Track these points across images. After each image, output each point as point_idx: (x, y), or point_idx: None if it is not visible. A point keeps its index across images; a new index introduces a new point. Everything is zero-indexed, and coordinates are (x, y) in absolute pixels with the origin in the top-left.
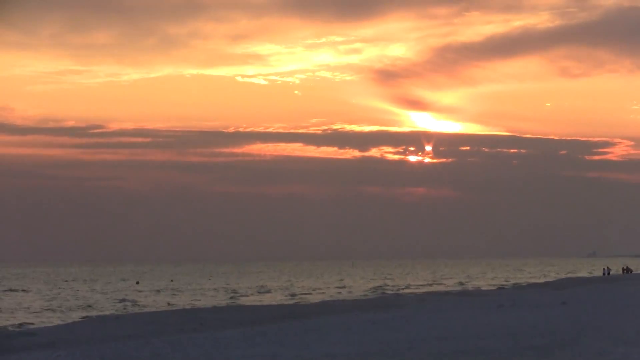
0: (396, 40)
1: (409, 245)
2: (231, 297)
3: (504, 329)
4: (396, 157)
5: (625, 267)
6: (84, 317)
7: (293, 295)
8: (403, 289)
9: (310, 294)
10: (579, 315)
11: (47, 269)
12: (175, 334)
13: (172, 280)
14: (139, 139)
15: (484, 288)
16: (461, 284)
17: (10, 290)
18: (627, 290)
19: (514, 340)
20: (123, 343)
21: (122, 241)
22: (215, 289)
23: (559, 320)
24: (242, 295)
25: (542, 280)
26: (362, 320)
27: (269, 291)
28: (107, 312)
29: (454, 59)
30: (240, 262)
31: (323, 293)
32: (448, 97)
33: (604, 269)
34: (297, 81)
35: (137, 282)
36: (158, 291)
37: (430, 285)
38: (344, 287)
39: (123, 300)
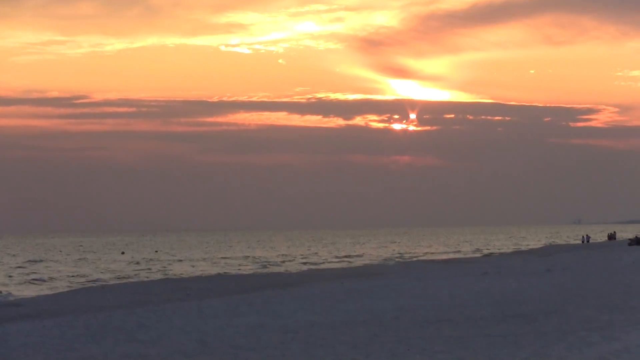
0: (380, 8)
1: (394, 213)
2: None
3: (488, 297)
4: (381, 125)
5: (611, 234)
6: (69, 288)
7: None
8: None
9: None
10: (563, 283)
11: (32, 240)
12: (160, 303)
13: (157, 251)
14: (123, 109)
15: (469, 256)
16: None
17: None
18: (611, 257)
19: (499, 308)
20: (108, 313)
21: (107, 211)
22: (204, 259)
23: (544, 288)
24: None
25: (526, 248)
26: (347, 289)
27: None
28: (93, 283)
29: (438, 27)
30: (225, 231)
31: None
32: (432, 65)
33: (582, 236)
34: (281, 50)
35: (122, 253)
36: (145, 260)
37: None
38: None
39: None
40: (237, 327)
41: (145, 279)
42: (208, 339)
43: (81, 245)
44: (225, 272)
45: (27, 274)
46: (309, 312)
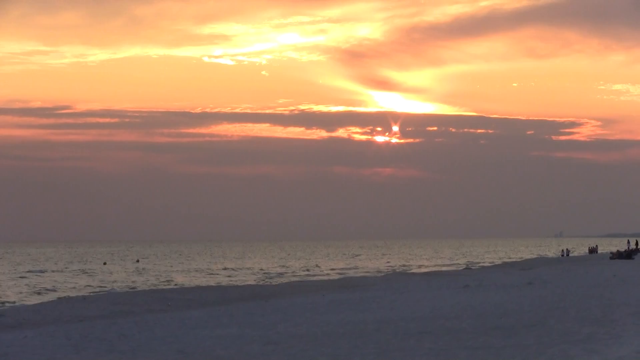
0: (363, 21)
1: (377, 225)
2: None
3: (470, 310)
4: (363, 137)
5: (592, 247)
6: (51, 299)
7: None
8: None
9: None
10: (544, 296)
11: (14, 249)
12: (142, 314)
13: (137, 261)
14: (106, 120)
15: (450, 268)
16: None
17: None
18: (592, 270)
19: (480, 321)
20: (90, 323)
21: (89, 222)
22: (188, 270)
23: (525, 301)
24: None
25: (508, 261)
26: (328, 301)
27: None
28: (74, 293)
29: (420, 39)
30: (206, 242)
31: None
32: (415, 77)
33: (562, 250)
34: (264, 61)
35: (105, 263)
36: (125, 271)
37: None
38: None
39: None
40: (218, 338)
41: (126, 290)
42: (189, 349)
43: (59, 255)
44: (206, 284)
45: (35, 285)
46: (290, 323)
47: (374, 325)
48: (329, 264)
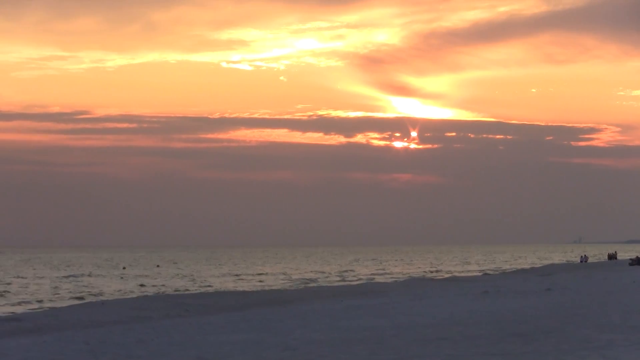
0: (381, 26)
1: (395, 231)
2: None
3: (488, 316)
4: (382, 143)
5: (611, 253)
6: (70, 303)
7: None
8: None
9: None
10: (563, 302)
11: (33, 255)
12: (160, 319)
13: (158, 266)
14: (124, 125)
15: (468, 274)
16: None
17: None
18: (611, 277)
19: (498, 327)
20: (108, 329)
21: (107, 227)
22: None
23: (544, 307)
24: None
25: (526, 267)
26: (346, 306)
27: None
28: (92, 299)
29: (438, 45)
30: (225, 247)
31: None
32: (433, 83)
33: (580, 256)
34: (282, 67)
35: (124, 268)
36: (146, 276)
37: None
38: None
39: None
40: (236, 344)
41: (145, 295)
42: (207, 355)
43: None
44: (224, 290)
45: (75, 290)
46: (307, 329)
47: (391, 331)
48: (361, 269)
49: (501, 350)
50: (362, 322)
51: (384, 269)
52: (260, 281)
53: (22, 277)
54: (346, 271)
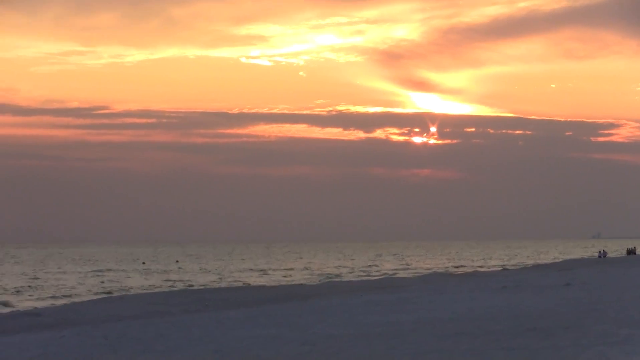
0: (400, 22)
1: (414, 226)
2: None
3: (507, 311)
4: (401, 138)
5: (630, 249)
6: (88, 298)
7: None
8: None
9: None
10: (582, 297)
11: (53, 250)
12: (179, 314)
13: (177, 261)
14: (143, 120)
15: (487, 269)
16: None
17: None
18: (631, 272)
19: (517, 322)
20: (127, 323)
21: (125, 222)
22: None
23: (562, 302)
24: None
25: (545, 262)
26: (365, 301)
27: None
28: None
29: (458, 41)
30: (244, 243)
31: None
32: (453, 78)
33: (599, 251)
34: (302, 62)
35: (143, 263)
36: (170, 271)
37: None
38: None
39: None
40: (255, 339)
41: (164, 290)
42: (226, 349)
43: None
44: (243, 284)
45: (99, 285)
46: (327, 324)
47: (410, 326)
48: (384, 265)
49: (520, 345)
50: (380, 317)
51: (407, 264)
52: (285, 276)
53: (47, 272)
54: (370, 266)
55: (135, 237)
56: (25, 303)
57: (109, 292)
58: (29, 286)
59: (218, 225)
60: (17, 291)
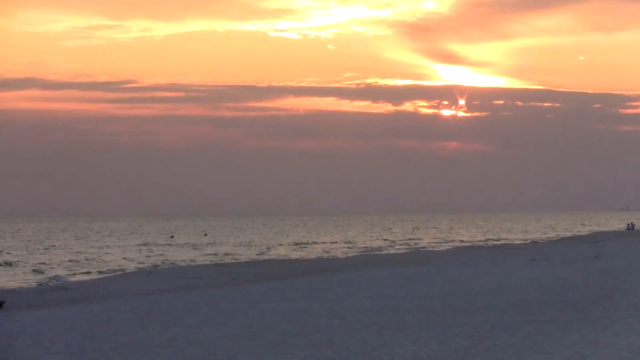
0: None
1: (443, 199)
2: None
3: (536, 283)
4: (430, 111)
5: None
6: (117, 272)
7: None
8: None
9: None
10: (611, 270)
11: (83, 224)
12: (207, 288)
13: (205, 234)
14: (172, 94)
15: (516, 242)
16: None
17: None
18: None
19: (546, 295)
20: (156, 297)
21: (155, 195)
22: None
23: (591, 275)
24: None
25: (575, 234)
26: (394, 274)
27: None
28: (140, 267)
29: (487, 13)
30: (272, 215)
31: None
32: (481, 51)
33: (628, 224)
34: (330, 35)
35: (172, 236)
36: (193, 245)
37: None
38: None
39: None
40: (284, 312)
41: (192, 264)
42: (255, 323)
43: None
44: (271, 258)
45: (147, 260)
46: (356, 297)
47: (439, 299)
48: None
49: (550, 317)
50: (410, 291)
51: (444, 238)
52: (326, 251)
53: (91, 246)
54: (411, 239)
55: (165, 210)
56: (78, 277)
57: (156, 266)
58: (77, 260)
59: (247, 198)
60: (67, 266)
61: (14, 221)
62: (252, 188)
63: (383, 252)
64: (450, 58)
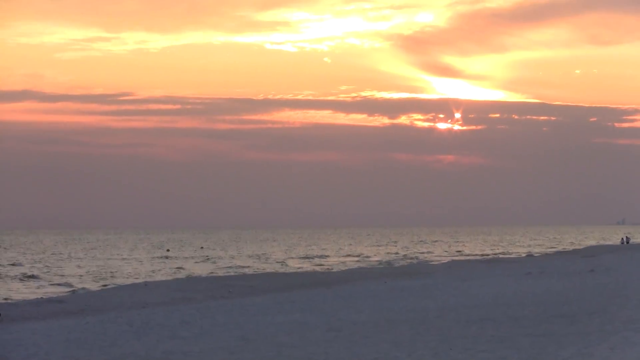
0: (425, 7)
1: (438, 212)
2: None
3: (532, 297)
4: (426, 124)
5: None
6: (112, 285)
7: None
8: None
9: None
10: (607, 283)
11: (78, 236)
12: (203, 301)
13: (202, 247)
14: (168, 106)
15: (512, 256)
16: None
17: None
18: None
19: (542, 308)
20: (152, 310)
21: (150, 209)
22: (249, 256)
23: (587, 288)
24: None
25: (570, 248)
26: (390, 287)
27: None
28: (135, 280)
29: (483, 26)
30: (268, 229)
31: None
32: (477, 64)
33: (622, 237)
34: (326, 48)
35: (168, 250)
36: (188, 258)
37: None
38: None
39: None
40: (280, 325)
41: (188, 277)
42: (251, 336)
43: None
44: (268, 271)
45: (169, 271)
46: (352, 310)
47: (435, 312)
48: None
49: (545, 330)
50: (406, 304)
51: (455, 250)
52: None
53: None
54: (419, 252)
55: (159, 223)
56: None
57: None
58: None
59: (242, 212)
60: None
61: (12, 232)
62: (248, 201)
63: (381, 266)
64: (447, 71)
